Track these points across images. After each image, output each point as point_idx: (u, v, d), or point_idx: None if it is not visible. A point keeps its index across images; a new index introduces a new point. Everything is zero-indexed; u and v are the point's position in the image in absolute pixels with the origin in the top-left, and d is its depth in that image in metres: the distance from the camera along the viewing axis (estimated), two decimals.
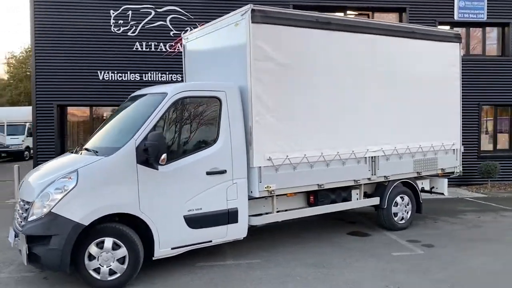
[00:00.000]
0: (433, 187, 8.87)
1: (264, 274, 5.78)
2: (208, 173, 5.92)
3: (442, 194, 8.77)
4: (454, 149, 8.64)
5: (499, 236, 7.56)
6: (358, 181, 7.39)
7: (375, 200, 7.85)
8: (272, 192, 6.47)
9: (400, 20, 13.62)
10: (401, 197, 8.04)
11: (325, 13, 7.32)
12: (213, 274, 5.80)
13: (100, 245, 5.29)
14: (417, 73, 8.01)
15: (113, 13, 12.42)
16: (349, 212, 9.18)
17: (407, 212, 8.12)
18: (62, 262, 5.06)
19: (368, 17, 13.65)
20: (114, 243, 5.32)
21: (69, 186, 5.18)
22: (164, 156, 5.38)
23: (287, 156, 6.54)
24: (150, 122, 5.60)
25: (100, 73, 12.43)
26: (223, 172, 6.03)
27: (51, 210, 5.09)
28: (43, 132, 12.30)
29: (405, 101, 7.87)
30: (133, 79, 12.48)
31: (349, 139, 7.18)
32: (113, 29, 12.44)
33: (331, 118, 7.01)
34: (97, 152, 5.68)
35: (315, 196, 7.22)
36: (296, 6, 13.04)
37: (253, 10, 6.19)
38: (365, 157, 7.39)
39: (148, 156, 5.38)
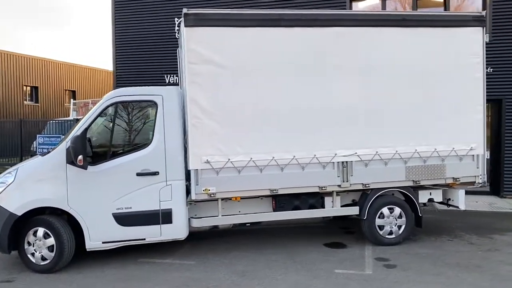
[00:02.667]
0: (449, 199, 7.54)
1: (179, 276, 5.85)
2: (138, 174, 6.21)
3: (457, 207, 7.39)
4: (473, 155, 7.20)
5: (498, 266, 6.10)
6: (324, 188, 6.78)
7: (354, 210, 7.08)
8: (212, 195, 6.44)
9: (484, 3, 11.59)
10: (389, 208, 7.06)
11: (280, 9, 6.88)
12: (137, 271, 6.10)
13: (35, 234, 6.07)
14: (412, 65, 6.90)
15: (177, 21, 13.35)
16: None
17: (398, 226, 7.09)
18: (0, 245, 5.99)
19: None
20: (46, 233, 6.05)
21: (8, 181, 6.08)
22: (80, 157, 5.86)
23: (229, 159, 6.41)
24: (81, 126, 6.16)
25: (167, 76, 13.57)
26: (155, 173, 6.25)
27: None
28: None
29: (392, 100, 6.88)
30: None
31: (309, 142, 6.64)
32: (177, 35, 13.38)
33: (286, 120, 6.58)
34: (49, 152, 6.46)
35: (275, 202, 6.90)
36: None
37: (185, 14, 6.27)
38: (333, 162, 6.73)
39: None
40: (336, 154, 6.72)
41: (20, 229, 6.09)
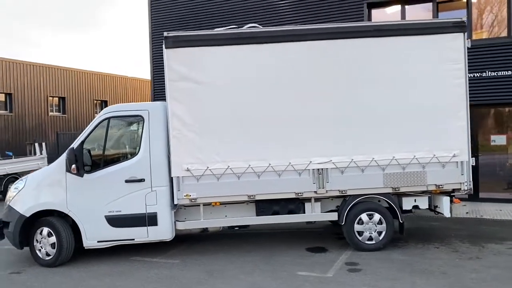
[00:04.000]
0: (436, 206, 7.49)
1: (156, 273, 6.51)
2: (126, 181, 6.97)
3: (443, 214, 7.32)
4: (457, 162, 7.13)
5: (465, 273, 6.04)
6: (301, 194, 7.10)
7: (332, 216, 7.31)
8: (193, 200, 7.04)
9: (509, 5, 11.15)
10: (368, 215, 7.19)
11: (255, 28, 7.31)
12: (125, 268, 6.82)
13: (42, 233, 7.04)
14: (388, 73, 7.04)
15: None
16: None
17: (379, 232, 7.19)
18: (14, 241, 7.04)
19: None
20: (49, 232, 6.99)
21: (20, 187, 7.13)
22: (73, 166, 6.76)
23: (208, 167, 6.97)
24: (79, 139, 7.06)
25: None
26: (141, 180, 6.98)
27: (9, 204, 7.11)
28: None
29: (368, 108, 7.05)
30: None
31: (284, 150, 7.01)
32: None
33: (261, 130, 7.01)
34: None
35: (256, 207, 7.33)
36: None
37: (166, 37, 6.94)
38: (308, 169, 7.04)
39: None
40: (311, 161, 7.03)
41: (31, 229, 7.09)
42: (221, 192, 7.07)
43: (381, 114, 7.06)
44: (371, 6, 12.38)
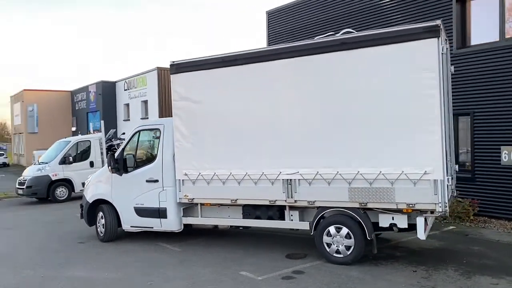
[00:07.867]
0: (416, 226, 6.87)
1: (153, 256, 8.16)
2: (147, 181, 8.82)
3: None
4: (429, 180, 6.49)
5: None
6: (273, 202, 7.63)
7: (303, 225, 7.55)
8: (190, 200, 8.39)
9: None
10: (336, 228, 7.18)
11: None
12: (142, 249, 8.66)
13: (99, 216, 9.51)
14: (354, 86, 6.90)
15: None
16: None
17: (347, 247, 7.10)
18: (84, 220, 9.73)
19: None
20: (102, 216, 9.40)
21: (88, 180, 9.77)
22: (109, 168, 8.95)
23: (200, 173, 8.22)
24: (121, 147, 9.25)
25: None
26: (156, 181, 8.72)
27: (84, 192, 9.84)
28: None
29: (333, 122, 7.08)
30: None
31: (259, 162, 7.66)
32: None
33: (239, 142, 7.85)
34: None
35: (242, 210, 8.20)
36: None
37: (171, 65, 8.46)
38: (279, 179, 7.53)
39: None
40: (280, 172, 7.50)
41: (96, 212, 9.65)
42: (210, 195, 8.22)
43: (347, 127, 7.00)
44: None
